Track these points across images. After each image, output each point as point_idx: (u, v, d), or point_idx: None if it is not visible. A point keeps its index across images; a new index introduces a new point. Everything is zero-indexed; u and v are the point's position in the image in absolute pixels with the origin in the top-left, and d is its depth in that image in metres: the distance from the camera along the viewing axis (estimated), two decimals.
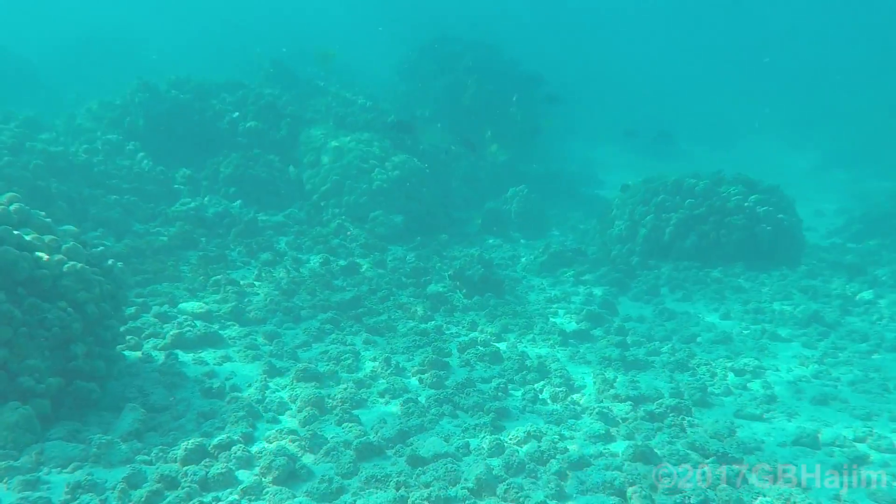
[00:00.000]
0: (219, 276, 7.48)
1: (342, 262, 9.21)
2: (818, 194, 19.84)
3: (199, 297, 7.05)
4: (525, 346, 6.96)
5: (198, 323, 6.33)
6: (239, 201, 10.24)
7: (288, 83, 13.84)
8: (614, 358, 6.51)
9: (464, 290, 8.71)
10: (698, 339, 7.39)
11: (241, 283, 7.64)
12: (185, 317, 6.36)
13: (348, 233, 10.56)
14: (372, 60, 25.02)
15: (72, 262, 4.35)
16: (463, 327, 7.42)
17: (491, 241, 12.71)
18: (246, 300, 7.18)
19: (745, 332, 7.69)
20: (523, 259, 11.35)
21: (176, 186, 9.90)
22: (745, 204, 10.24)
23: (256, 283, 7.83)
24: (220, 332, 6.34)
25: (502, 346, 6.92)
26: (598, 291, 9.57)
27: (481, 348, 6.67)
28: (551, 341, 7.06)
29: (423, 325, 7.27)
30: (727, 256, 10.09)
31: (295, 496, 3.75)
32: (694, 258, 10.20)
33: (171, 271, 7.35)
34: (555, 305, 8.71)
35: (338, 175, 11.28)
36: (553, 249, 10.53)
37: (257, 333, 6.44)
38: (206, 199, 9.96)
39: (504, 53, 18.97)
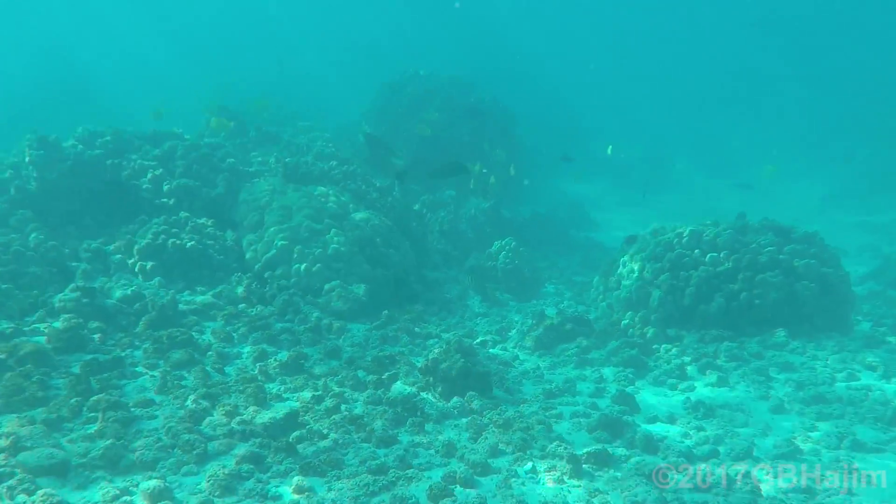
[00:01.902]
0: (101, 396, 5.59)
1: (283, 356, 7.36)
2: (833, 229, 18.39)
3: (63, 432, 5.16)
4: (523, 483, 5.11)
5: (42, 482, 4.43)
6: (157, 279, 8.42)
7: (233, 131, 12.23)
8: (649, 502, 4.67)
9: (439, 389, 6.88)
10: (754, 453, 5.59)
11: (133, 401, 5.75)
12: (22, 474, 4.45)
13: (298, 311, 8.75)
14: (347, 100, 23.74)
15: None
16: (436, 452, 5.56)
17: (475, 307, 10.94)
18: (133, 431, 5.29)
19: (813, 433, 5.91)
20: (514, 332, 9.58)
21: (74, 265, 8.07)
22: (781, 256, 8.61)
23: (157, 400, 5.95)
24: (79, 494, 4.44)
25: (491, 482, 5.07)
26: (609, 375, 7.80)
27: (460, 491, 4.83)
28: (559, 471, 5.21)
29: (381, 454, 5.41)
30: (763, 322, 8.40)
31: None
32: (722, 325, 8.49)
33: (33, 392, 5.46)
34: (557, 402, 6.90)
35: (285, 239, 9.53)
36: (550, 322, 8.78)
37: (135, 492, 4.54)
38: (113, 278, 8.12)
39: (481, 90, 17.65)
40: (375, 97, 17.44)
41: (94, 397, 5.60)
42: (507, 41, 43.02)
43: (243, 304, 8.66)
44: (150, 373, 6.49)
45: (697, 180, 28.26)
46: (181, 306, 8.08)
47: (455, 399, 6.61)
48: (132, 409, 5.64)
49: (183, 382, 6.33)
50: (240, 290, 8.92)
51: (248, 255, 9.62)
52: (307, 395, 6.52)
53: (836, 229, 18.28)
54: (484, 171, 15.45)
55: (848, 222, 19.92)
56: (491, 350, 8.94)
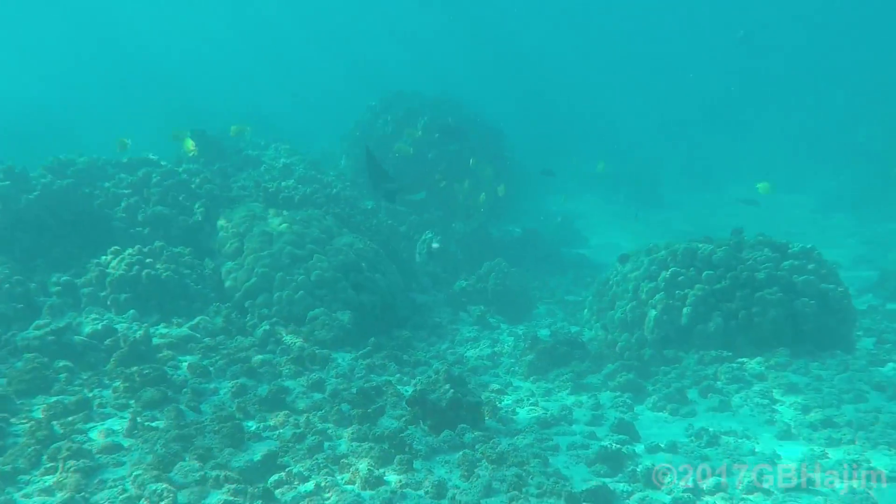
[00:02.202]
0: (63, 443, 5.20)
1: (263, 391, 6.99)
2: (826, 242, 18.28)
3: (19, 485, 4.76)
4: None
5: None
6: (131, 312, 8.04)
7: (212, 156, 11.94)
8: None
9: (428, 422, 6.53)
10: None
11: (98, 447, 5.36)
12: None
13: (280, 342, 8.39)
14: (337, 122, 23.59)
15: None
16: (426, 493, 5.20)
17: (465, 331, 10.62)
18: (96, 482, 4.90)
19: (824, 461, 5.61)
20: (506, 357, 9.27)
21: (42, 300, 7.68)
22: (779, 273, 8.38)
23: (125, 444, 5.56)
24: None
25: None
26: (606, 400, 7.48)
27: None
28: None
29: (366, 497, 5.04)
30: (763, 340, 8.14)
31: None
32: (721, 345, 8.22)
33: None
34: (553, 433, 6.57)
35: (266, 266, 9.20)
36: (543, 346, 8.47)
37: None
38: (83, 313, 7.75)
39: (467, 108, 17.51)
40: (360, 118, 17.24)
41: (55, 444, 5.21)
42: (502, 59, 43.27)
43: (222, 336, 8.29)
44: (120, 414, 6.10)
45: (687, 195, 28.24)
46: (156, 340, 7.70)
47: (445, 432, 6.26)
48: (97, 457, 5.25)
49: (154, 424, 5.94)
50: (218, 320, 8.56)
51: (227, 284, 9.27)
52: (287, 432, 6.15)
53: (828, 242, 18.19)
54: (471, 189, 15.27)
55: (840, 234, 19.86)
56: (483, 377, 8.62)
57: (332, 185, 11.65)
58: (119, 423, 5.89)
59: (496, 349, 9.57)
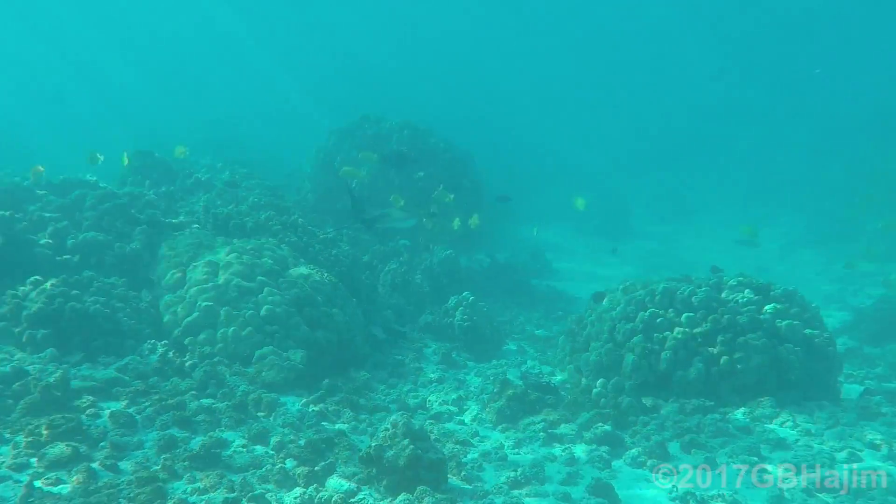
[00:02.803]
0: None
1: (196, 444, 6.17)
2: (794, 279, 18.21)
3: None
4: None
5: None
6: (50, 350, 7.15)
7: (158, 178, 11.13)
8: None
9: (384, 482, 5.81)
10: None
11: None
12: None
13: (222, 384, 7.58)
14: (303, 147, 22.93)
15: None
16: None
17: (429, 371, 9.92)
18: None
19: None
20: (473, 402, 8.61)
21: None
22: (762, 316, 7.97)
23: None
24: None
25: None
26: (581, 454, 6.87)
27: None
28: None
29: None
30: (746, 388, 7.67)
31: None
32: (702, 392, 7.73)
33: None
34: (524, 493, 5.92)
35: (210, 300, 8.41)
36: (512, 391, 7.85)
37: None
38: None
39: (435, 134, 17.06)
40: (324, 142, 16.61)
41: None
42: (472, 87, 43.36)
43: (155, 378, 7.44)
44: (15, 477, 5.22)
45: (657, 227, 28.24)
46: (75, 384, 6.82)
47: (403, 496, 5.55)
48: None
49: (56, 489, 5.08)
50: (153, 360, 7.71)
51: (165, 319, 8.43)
52: (219, 497, 5.35)
53: (797, 279, 18.11)
54: (438, 214, 14.57)
55: (809, 271, 19.86)
56: (447, 425, 7.92)
57: (290, 211, 10.95)
58: (12, 490, 5.02)
59: (462, 392, 8.89)
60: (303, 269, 9.27)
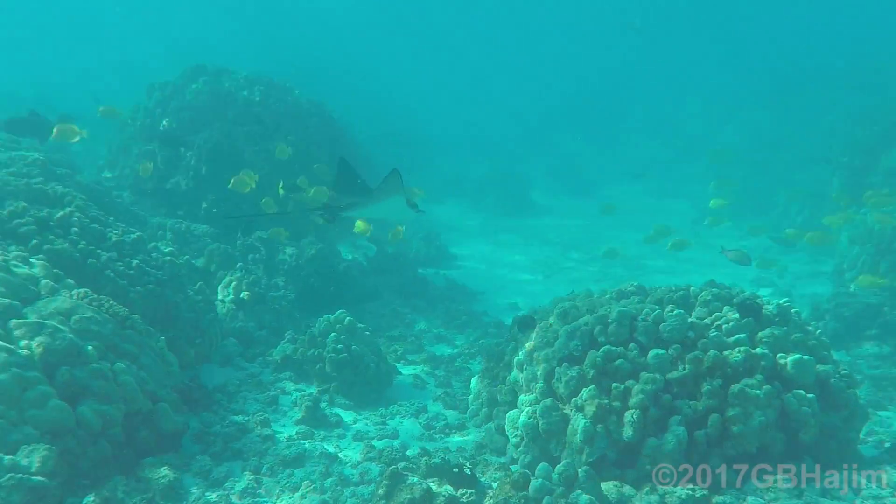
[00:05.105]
0: None
1: None
2: (716, 261, 16.82)
3: None
4: None
5: None
6: None
7: None
8: None
9: None
10: None
11: None
12: None
13: None
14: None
15: None
16: None
17: (282, 446, 6.89)
18: None
19: None
20: (349, 498, 5.81)
21: None
22: (758, 350, 5.75)
23: None
24: None
25: None
26: None
27: None
28: None
29: None
30: (745, 458, 5.44)
31: None
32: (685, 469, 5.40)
33: None
34: None
35: None
36: (407, 485, 5.11)
37: None
38: None
39: (300, 92, 13.73)
40: (143, 101, 12.74)
41: None
42: (341, 44, 39.60)
43: None
44: None
45: (559, 200, 26.57)
46: None
47: None
48: None
49: None
50: None
51: None
52: None
53: (718, 260, 16.75)
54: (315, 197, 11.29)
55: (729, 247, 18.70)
56: None
57: (63, 200, 7.45)
58: None
59: (330, 485, 6.02)
60: (61, 301, 5.91)
